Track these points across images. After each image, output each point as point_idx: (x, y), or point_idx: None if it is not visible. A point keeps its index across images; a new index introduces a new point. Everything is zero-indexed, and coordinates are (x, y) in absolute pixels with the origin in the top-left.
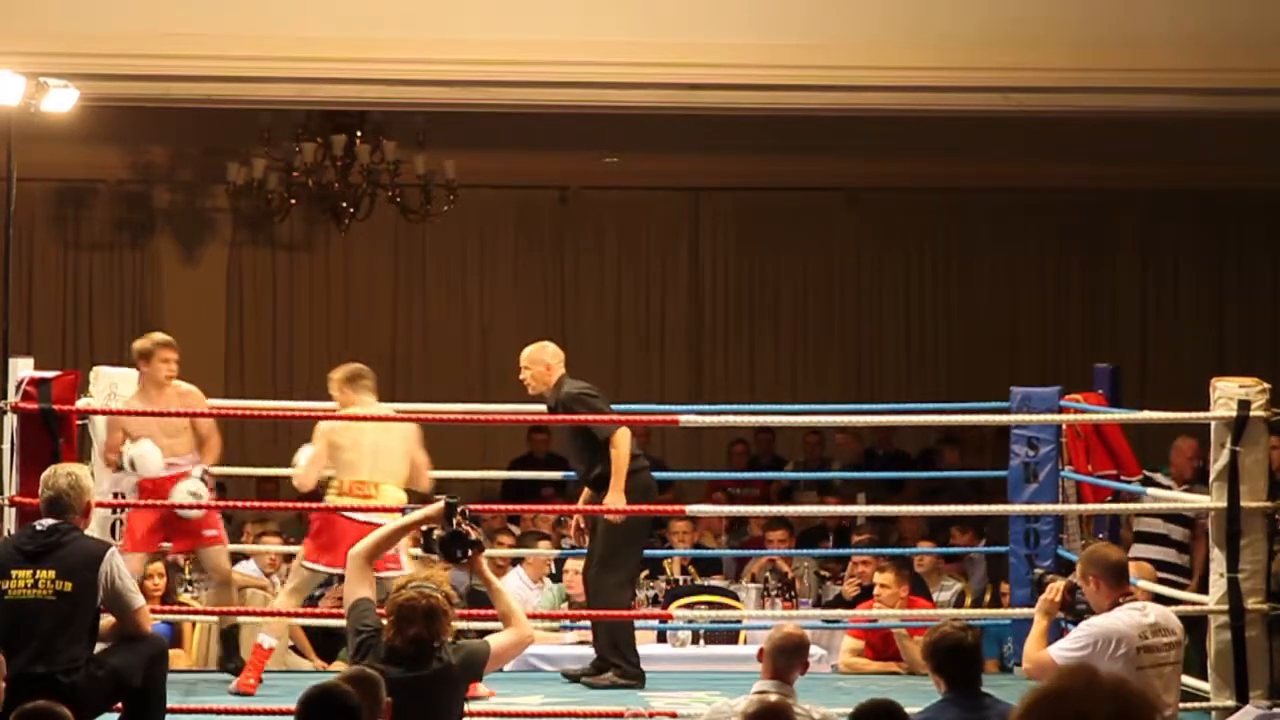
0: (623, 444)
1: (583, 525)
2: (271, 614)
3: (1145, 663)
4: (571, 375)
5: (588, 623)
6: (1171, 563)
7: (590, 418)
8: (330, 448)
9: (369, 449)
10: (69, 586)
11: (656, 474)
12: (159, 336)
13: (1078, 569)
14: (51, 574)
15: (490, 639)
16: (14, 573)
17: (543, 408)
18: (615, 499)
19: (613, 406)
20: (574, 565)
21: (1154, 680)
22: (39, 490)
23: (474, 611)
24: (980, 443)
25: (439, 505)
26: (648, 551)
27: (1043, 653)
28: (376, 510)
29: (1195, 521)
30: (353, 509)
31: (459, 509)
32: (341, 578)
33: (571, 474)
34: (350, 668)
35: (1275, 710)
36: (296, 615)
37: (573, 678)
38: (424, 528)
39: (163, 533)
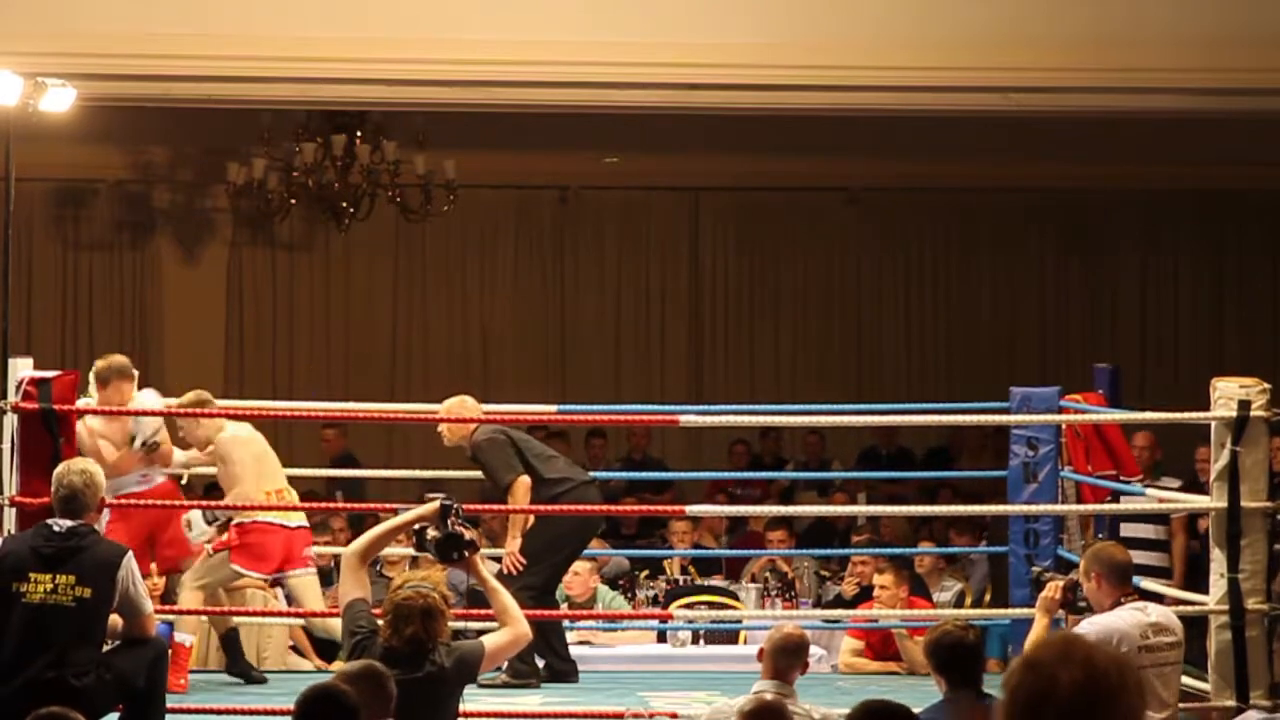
0: (520, 494)
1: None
2: (272, 614)
3: (1146, 662)
4: (571, 376)
5: (583, 624)
6: (1157, 566)
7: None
8: (238, 463)
9: (267, 456)
10: (88, 593)
11: (656, 474)
12: (118, 361)
13: (1081, 567)
14: (71, 579)
15: (485, 639)
16: (32, 576)
17: (542, 406)
18: (511, 546)
19: (612, 407)
20: (575, 565)
21: (1154, 680)
22: (52, 488)
23: (474, 611)
24: (980, 443)
25: (434, 506)
26: (648, 551)
27: None
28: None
29: (1170, 518)
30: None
31: (454, 509)
32: (271, 583)
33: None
34: (356, 663)
35: (1277, 715)
36: (296, 615)
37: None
38: (417, 527)
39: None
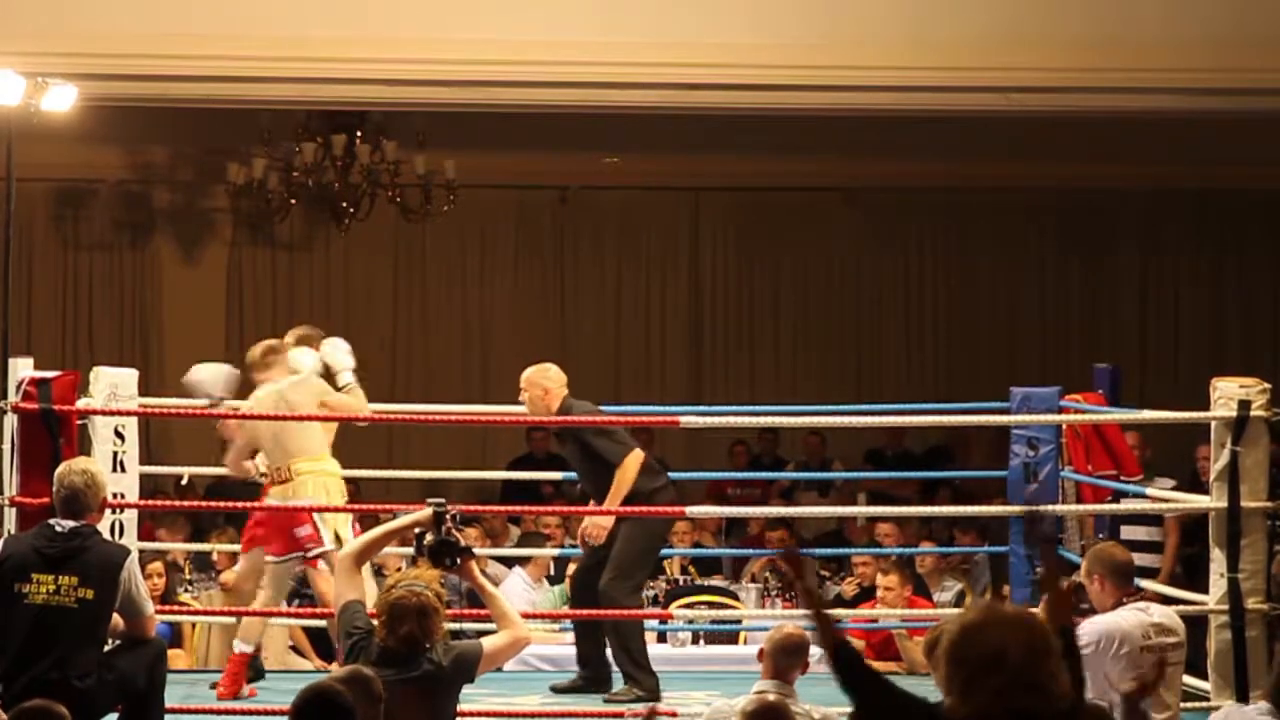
0: (630, 468)
1: (588, 539)
2: (272, 614)
3: (1147, 662)
4: (571, 377)
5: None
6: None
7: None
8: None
9: (268, 432)
10: (90, 594)
11: None
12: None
13: (1083, 567)
14: (74, 580)
15: (484, 640)
16: (35, 577)
17: None
18: (601, 515)
19: (612, 408)
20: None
21: None
22: (53, 489)
23: (472, 612)
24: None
25: (428, 512)
26: None
27: None
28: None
29: (1164, 518)
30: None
31: (447, 515)
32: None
33: (571, 474)
34: (344, 667)
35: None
36: (295, 615)
37: (561, 690)
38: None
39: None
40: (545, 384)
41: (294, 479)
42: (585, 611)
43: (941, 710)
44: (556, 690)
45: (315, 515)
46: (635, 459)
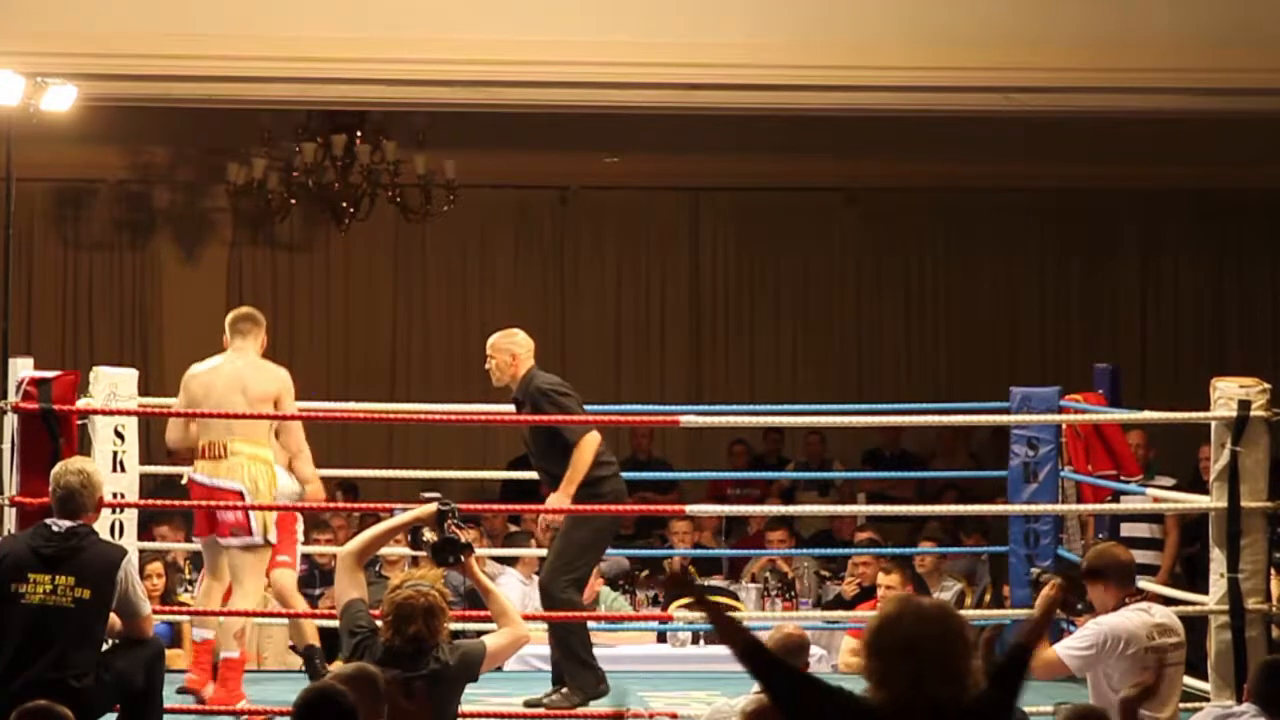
0: (587, 449)
1: (551, 525)
2: (272, 614)
3: (1151, 663)
4: (571, 376)
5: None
6: (1156, 565)
7: (560, 418)
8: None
9: (210, 402)
10: (87, 594)
11: (657, 474)
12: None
13: (1084, 567)
14: (70, 580)
15: (486, 639)
16: (31, 577)
17: None
18: (560, 500)
19: (612, 407)
20: None
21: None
22: (49, 488)
23: (472, 611)
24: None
25: (430, 508)
26: (648, 551)
27: (1050, 651)
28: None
29: (1164, 516)
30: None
31: (450, 513)
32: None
33: None
34: (349, 666)
35: (1234, 709)
36: (295, 615)
37: (534, 704)
38: (413, 528)
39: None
40: (513, 349)
41: (228, 457)
42: (584, 613)
43: (863, 699)
44: (529, 705)
45: (247, 499)
46: (592, 441)
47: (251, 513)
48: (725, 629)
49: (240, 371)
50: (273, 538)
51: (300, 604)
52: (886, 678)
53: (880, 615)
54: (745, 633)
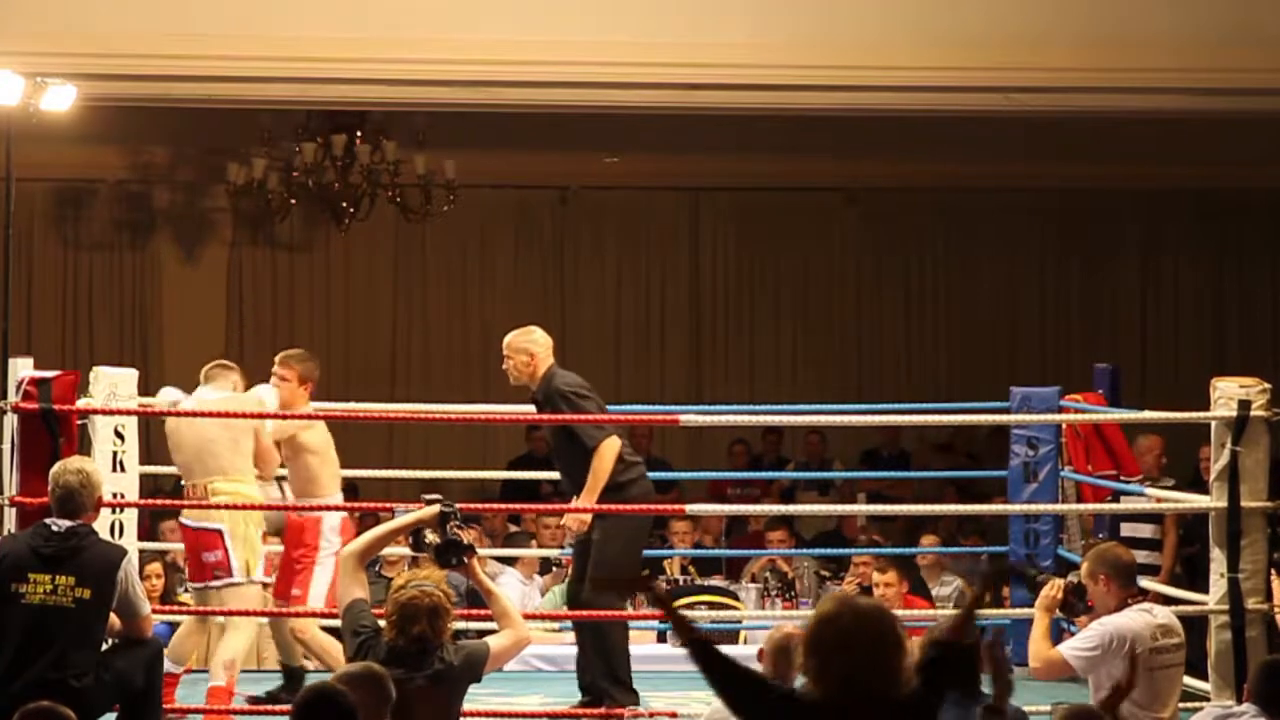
0: (607, 455)
1: (571, 529)
2: (271, 614)
3: (1155, 664)
4: (571, 372)
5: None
6: (1156, 565)
7: (575, 418)
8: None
9: (191, 446)
10: (88, 594)
11: (657, 474)
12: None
13: (1085, 568)
14: (71, 580)
15: (489, 640)
16: (32, 576)
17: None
18: (586, 500)
19: (612, 407)
20: None
21: (1160, 681)
22: (49, 488)
23: (474, 611)
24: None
25: (433, 510)
26: (647, 551)
27: (1053, 651)
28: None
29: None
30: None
31: (452, 514)
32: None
33: None
34: (355, 665)
35: (1234, 709)
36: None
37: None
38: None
39: None
40: (530, 348)
41: (209, 498)
42: (581, 613)
43: (800, 694)
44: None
45: (226, 540)
46: (611, 446)
47: (231, 552)
48: (676, 623)
49: (218, 405)
50: (256, 575)
51: (322, 639)
52: (823, 674)
53: (819, 613)
54: (694, 629)
